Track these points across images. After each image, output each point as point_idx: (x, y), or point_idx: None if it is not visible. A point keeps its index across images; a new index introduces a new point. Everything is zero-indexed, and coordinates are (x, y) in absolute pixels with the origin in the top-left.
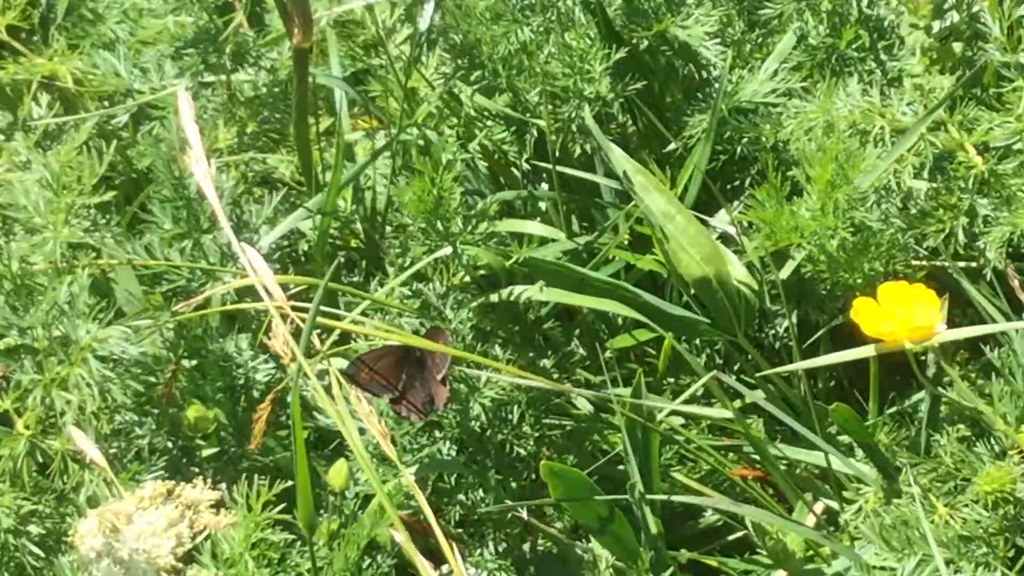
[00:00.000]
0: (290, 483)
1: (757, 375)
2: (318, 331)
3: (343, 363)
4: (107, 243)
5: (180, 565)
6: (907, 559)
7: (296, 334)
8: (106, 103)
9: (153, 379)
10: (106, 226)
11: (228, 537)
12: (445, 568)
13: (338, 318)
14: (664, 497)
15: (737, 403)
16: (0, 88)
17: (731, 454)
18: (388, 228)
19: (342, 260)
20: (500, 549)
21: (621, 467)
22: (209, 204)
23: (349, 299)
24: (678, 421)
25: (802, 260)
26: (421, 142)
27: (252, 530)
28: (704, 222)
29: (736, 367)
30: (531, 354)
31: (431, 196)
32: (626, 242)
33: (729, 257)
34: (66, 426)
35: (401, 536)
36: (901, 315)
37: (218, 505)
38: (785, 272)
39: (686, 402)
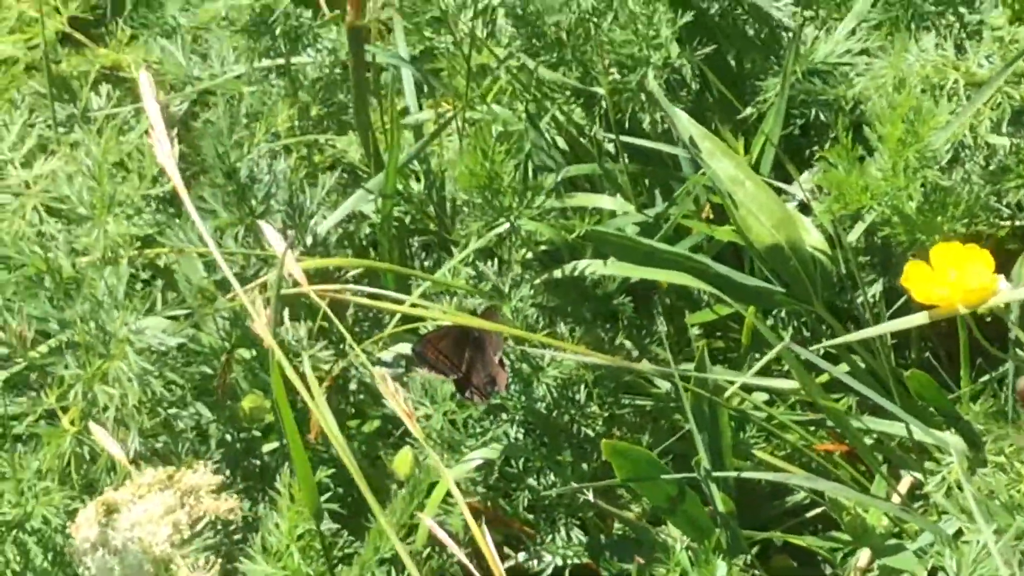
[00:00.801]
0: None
1: (830, 342)
2: (381, 316)
3: (405, 348)
4: (166, 233)
5: (176, 553)
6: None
7: (360, 320)
8: (170, 92)
9: (209, 370)
10: (168, 216)
11: (275, 530)
12: (522, 556)
13: (401, 302)
14: (732, 474)
15: (823, 378)
16: (63, 80)
17: (819, 431)
18: (460, 219)
19: (417, 245)
20: (572, 535)
21: None
22: (261, 188)
23: (419, 283)
24: (762, 397)
25: (877, 222)
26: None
27: (296, 520)
28: (779, 191)
29: (823, 341)
30: (600, 332)
31: (484, 170)
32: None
33: (803, 223)
34: (89, 421)
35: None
36: (954, 278)
37: (221, 490)
38: (854, 234)
39: (760, 377)
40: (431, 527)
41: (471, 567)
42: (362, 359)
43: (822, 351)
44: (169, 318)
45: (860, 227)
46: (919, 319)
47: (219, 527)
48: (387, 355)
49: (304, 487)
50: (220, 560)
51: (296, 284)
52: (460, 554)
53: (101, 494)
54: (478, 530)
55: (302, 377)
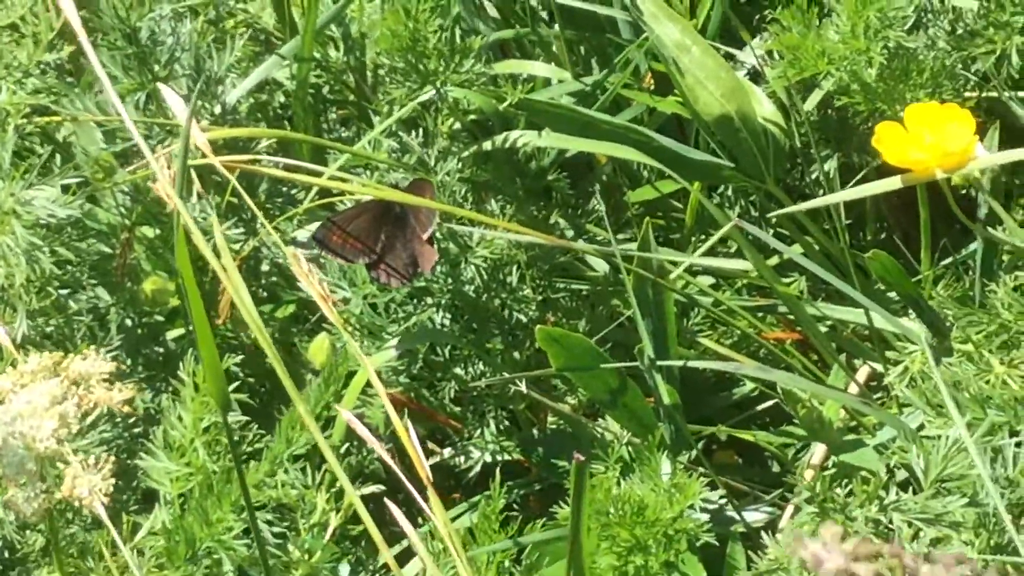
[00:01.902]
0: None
1: (781, 211)
2: (297, 190)
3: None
4: (62, 102)
5: (64, 450)
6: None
7: (273, 196)
8: None
9: (107, 249)
10: (65, 85)
11: (178, 424)
12: (448, 452)
13: (318, 174)
14: (678, 363)
15: (773, 260)
16: None
17: (768, 318)
18: (381, 88)
19: (335, 118)
20: (502, 429)
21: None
22: (164, 51)
23: (337, 156)
24: (707, 282)
25: (834, 90)
26: None
27: (201, 412)
28: (728, 58)
29: (774, 222)
30: (534, 210)
31: (407, 31)
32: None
33: (754, 93)
34: None
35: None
36: (931, 140)
37: (114, 379)
38: (811, 103)
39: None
40: (348, 420)
41: (392, 464)
42: (275, 238)
43: (773, 230)
44: (63, 190)
45: (816, 95)
46: (891, 184)
47: (118, 420)
48: (302, 234)
49: (210, 373)
50: (116, 457)
51: (204, 156)
52: (380, 449)
53: None
54: (400, 423)
55: (213, 249)
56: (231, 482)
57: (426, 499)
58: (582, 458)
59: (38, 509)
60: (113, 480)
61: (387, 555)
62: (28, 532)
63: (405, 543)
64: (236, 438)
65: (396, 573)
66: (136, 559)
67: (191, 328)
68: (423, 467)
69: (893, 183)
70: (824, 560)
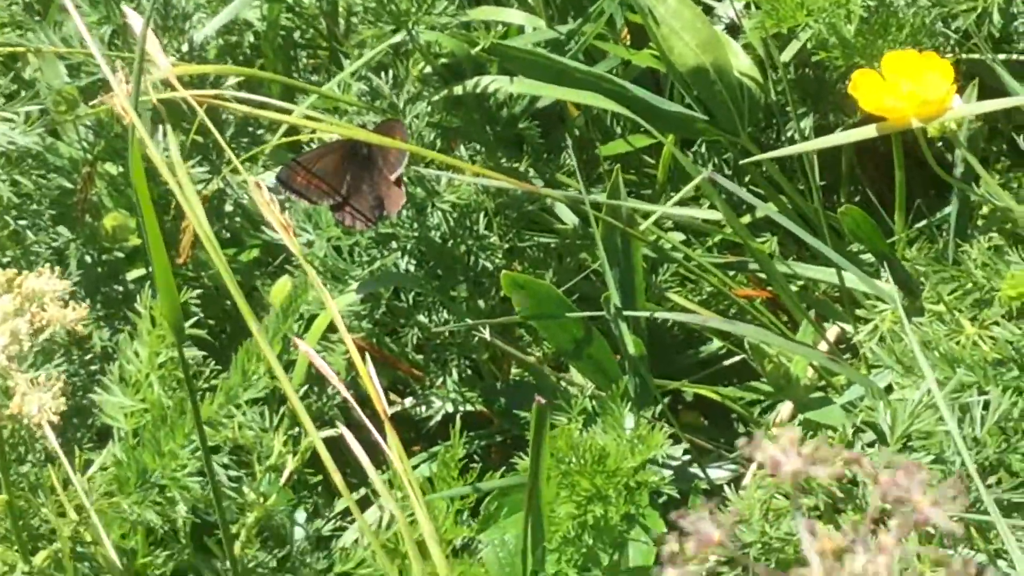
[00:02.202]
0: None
1: (753, 158)
2: (263, 131)
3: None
4: (27, 35)
5: (13, 367)
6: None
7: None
8: None
9: (68, 184)
10: (31, 19)
11: (134, 358)
12: (408, 401)
13: (287, 113)
14: (644, 313)
15: (745, 219)
16: None
17: (738, 276)
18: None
19: (304, 62)
20: (465, 378)
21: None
22: None
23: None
24: (678, 238)
25: (812, 45)
26: None
27: (157, 346)
28: (706, 11)
29: (747, 180)
30: (504, 159)
31: None
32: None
33: (731, 46)
34: None
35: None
36: (908, 88)
37: (69, 299)
38: (788, 54)
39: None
40: (311, 357)
41: (353, 403)
42: (241, 173)
43: (746, 188)
44: (24, 120)
45: (794, 46)
46: (866, 132)
47: (74, 357)
48: (267, 177)
49: (165, 299)
50: (71, 394)
51: (170, 89)
52: (343, 389)
53: None
54: (363, 367)
55: (173, 175)
56: (184, 413)
57: (385, 439)
58: (543, 401)
59: None
60: (63, 399)
61: (348, 498)
62: None
63: (362, 492)
64: (192, 373)
65: (357, 518)
66: (87, 493)
67: (151, 267)
68: (381, 404)
69: (868, 131)
70: (782, 463)
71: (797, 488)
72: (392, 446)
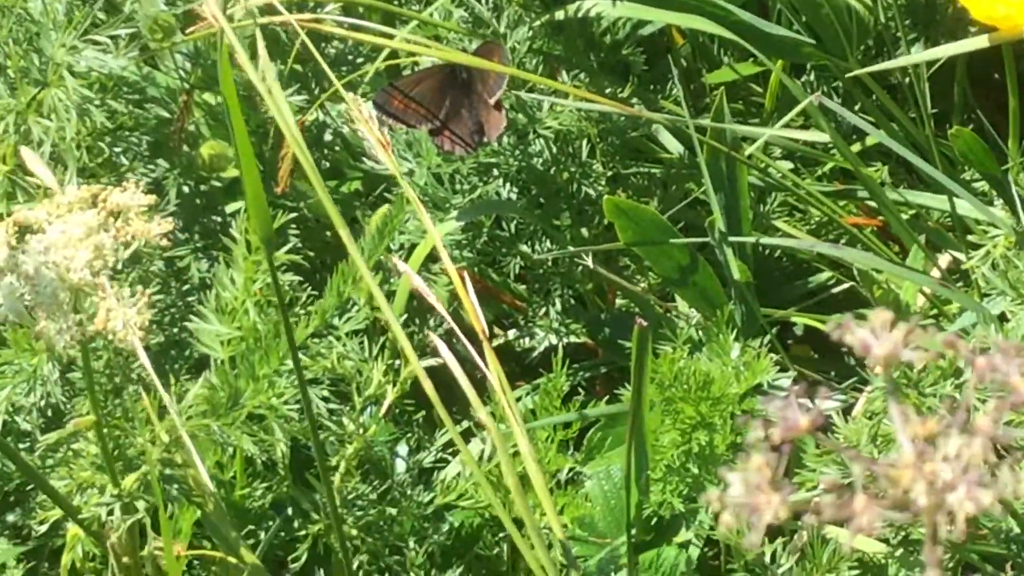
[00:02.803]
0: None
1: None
2: (362, 60)
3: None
4: None
5: (99, 280)
6: None
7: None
8: None
9: (166, 113)
10: None
11: (229, 285)
12: (511, 333)
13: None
14: (750, 239)
15: (855, 148)
16: None
17: (847, 205)
18: None
19: None
20: (569, 308)
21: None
22: None
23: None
24: (786, 166)
25: None
26: None
27: (252, 272)
28: None
29: (857, 108)
30: (607, 86)
31: None
32: None
33: None
34: (20, 148)
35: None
36: None
37: (153, 212)
38: None
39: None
40: (412, 280)
41: (460, 335)
42: (345, 98)
43: (856, 114)
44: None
45: None
46: (977, 42)
47: (171, 287)
48: (366, 108)
49: (256, 215)
50: (168, 325)
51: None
52: (447, 316)
53: None
54: (466, 295)
55: (270, 93)
56: (279, 336)
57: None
58: (644, 323)
59: (70, 341)
60: (150, 315)
61: (452, 429)
62: (75, 398)
63: (464, 425)
64: (288, 300)
65: (461, 449)
66: (182, 420)
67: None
68: (484, 332)
69: (979, 41)
70: (872, 346)
71: (889, 374)
72: (494, 373)
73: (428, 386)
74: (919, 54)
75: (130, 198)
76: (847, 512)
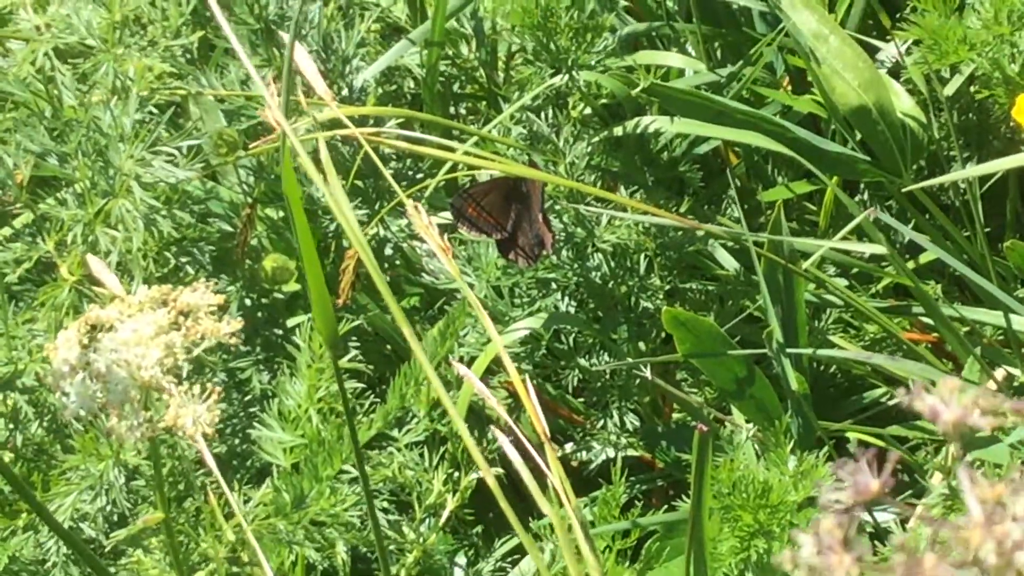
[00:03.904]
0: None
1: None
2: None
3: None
4: (188, 79)
5: (169, 380)
6: None
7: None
8: None
9: (228, 227)
10: (191, 66)
11: (292, 393)
12: (569, 447)
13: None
14: (807, 351)
15: (910, 265)
16: None
17: (901, 319)
18: (511, 74)
19: (463, 111)
20: (626, 421)
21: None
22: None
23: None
24: (841, 283)
25: (976, 83)
26: None
27: (315, 380)
28: (870, 51)
29: (911, 225)
30: (663, 201)
31: (538, 7)
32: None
33: (893, 86)
34: (87, 256)
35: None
36: None
37: (222, 311)
38: (951, 87)
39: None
40: (474, 383)
41: (526, 442)
42: (407, 217)
43: (914, 229)
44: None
45: (957, 80)
46: None
47: (234, 398)
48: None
49: (321, 318)
50: (230, 433)
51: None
52: (512, 423)
53: None
54: (527, 398)
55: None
56: (342, 439)
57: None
58: (705, 429)
59: (140, 438)
60: (219, 411)
61: (524, 536)
62: (139, 505)
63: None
64: (351, 406)
65: (532, 554)
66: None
67: (308, 290)
68: (541, 423)
69: None
70: (941, 412)
71: (958, 440)
72: (556, 476)
73: (499, 493)
74: (973, 168)
75: (199, 298)
76: (918, 572)
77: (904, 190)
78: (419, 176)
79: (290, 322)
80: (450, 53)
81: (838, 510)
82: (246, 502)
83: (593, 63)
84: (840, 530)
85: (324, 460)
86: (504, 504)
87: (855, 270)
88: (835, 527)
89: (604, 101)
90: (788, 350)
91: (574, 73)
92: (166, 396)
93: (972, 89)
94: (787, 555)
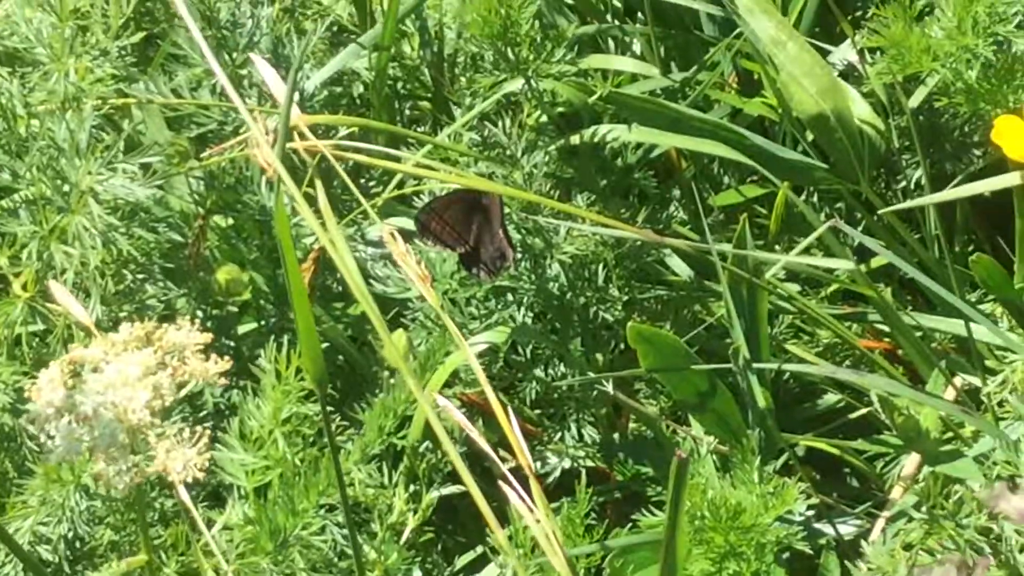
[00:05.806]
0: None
1: (891, 208)
2: (373, 183)
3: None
4: (132, 85)
5: (157, 421)
6: None
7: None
8: None
9: (179, 237)
10: (134, 68)
11: (256, 414)
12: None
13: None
14: (773, 365)
15: (863, 267)
16: None
17: (855, 326)
18: (462, 79)
19: (408, 114)
20: (584, 433)
21: (727, 340)
22: (242, 35)
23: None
24: (794, 288)
25: (935, 91)
26: None
27: (281, 402)
28: (823, 54)
29: (861, 228)
30: (618, 208)
31: (498, 17)
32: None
33: (850, 93)
34: (50, 282)
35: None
36: None
37: (208, 351)
38: (916, 99)
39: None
40: (446, 407)
41: (490, 452)
42: (353, 229)
43: (865, 232)
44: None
45: (921, 92)
46: (1010, 180)
47: (187, 415)
48: (374, 231)
49: (306, 345)
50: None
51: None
52: (482, 442)
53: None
54: (501, 409)
55: (318, 214)
56: (319, 472)
57: (528, 490)
58: (683, 455)
59: (129, 483)
60: (209, 455)
61: (504, 544)
62: (96, 527)
63: (478, 551)
64: (317, 431)
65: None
66: (215, 551)
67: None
68: (524, 454)
69: (1011, 179)
70: None
71: None
72: (534, 492)
73: (486, 510)
74: (957, 189)
75: (186, 337)
76: None
77: (882, 211)
78: (370, 184)
79: (241, 329)
80: (393, 52)
81: None
82: (209, 524)
83: (552, 72)
84: None
85: (300, 493)
86: (491, 520)
87: (804, 275)
88: None
89: (560, 110)
90: (755, 365)
91: (533, 82)
92: (152, 439)
93: (931, 96)
94: None
